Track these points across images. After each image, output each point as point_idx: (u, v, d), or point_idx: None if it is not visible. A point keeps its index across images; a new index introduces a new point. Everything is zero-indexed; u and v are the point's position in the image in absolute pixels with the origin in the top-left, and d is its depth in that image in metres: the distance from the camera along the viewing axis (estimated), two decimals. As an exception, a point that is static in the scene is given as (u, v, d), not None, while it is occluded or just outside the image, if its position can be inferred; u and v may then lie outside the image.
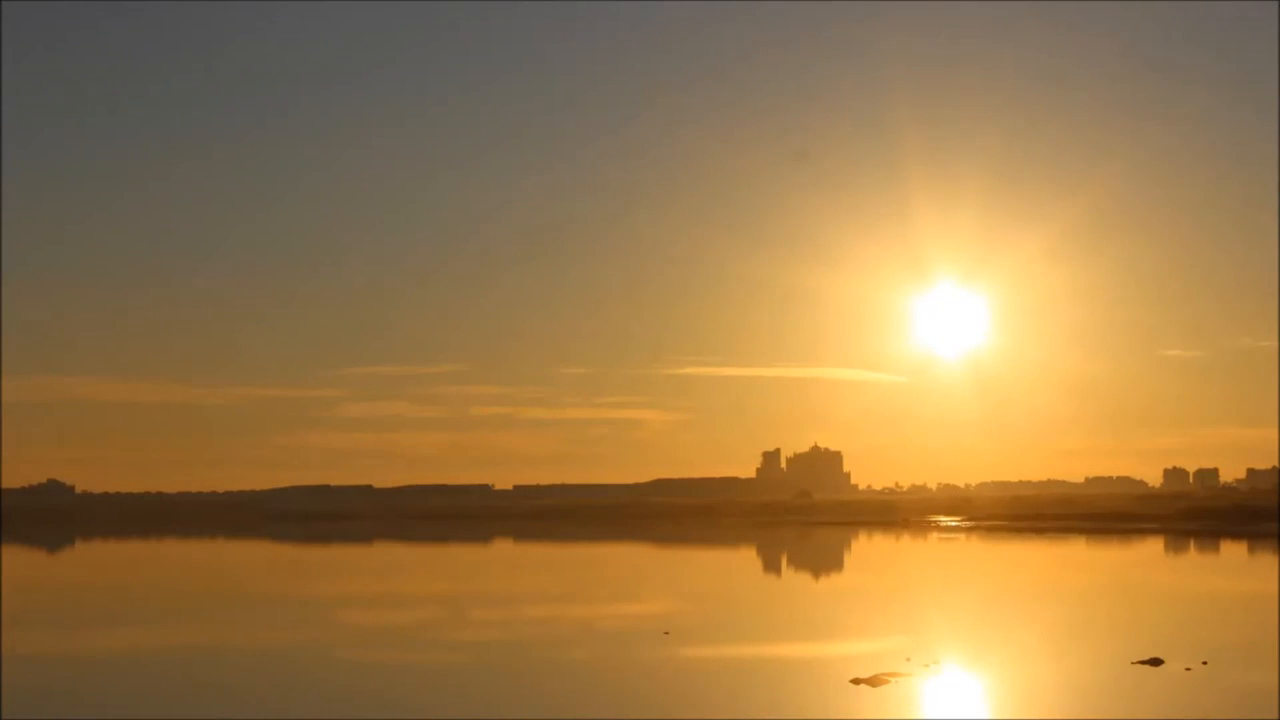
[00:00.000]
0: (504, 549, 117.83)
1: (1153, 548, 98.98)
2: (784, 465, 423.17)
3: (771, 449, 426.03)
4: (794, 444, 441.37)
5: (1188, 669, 29.74)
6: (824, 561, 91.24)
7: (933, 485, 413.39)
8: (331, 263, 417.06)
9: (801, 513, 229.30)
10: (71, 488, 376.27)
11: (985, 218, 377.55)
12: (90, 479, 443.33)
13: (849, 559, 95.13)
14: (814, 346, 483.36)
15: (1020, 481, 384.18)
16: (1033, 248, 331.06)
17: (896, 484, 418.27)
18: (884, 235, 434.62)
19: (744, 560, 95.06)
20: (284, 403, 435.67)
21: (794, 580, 72.80)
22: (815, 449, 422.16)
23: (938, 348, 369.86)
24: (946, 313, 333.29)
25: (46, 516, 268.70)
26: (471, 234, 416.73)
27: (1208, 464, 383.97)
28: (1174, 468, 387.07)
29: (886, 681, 28.17)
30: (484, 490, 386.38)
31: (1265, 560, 78.85)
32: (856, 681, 28.18)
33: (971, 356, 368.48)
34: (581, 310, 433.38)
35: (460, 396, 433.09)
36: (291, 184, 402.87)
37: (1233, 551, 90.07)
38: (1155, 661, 30.78)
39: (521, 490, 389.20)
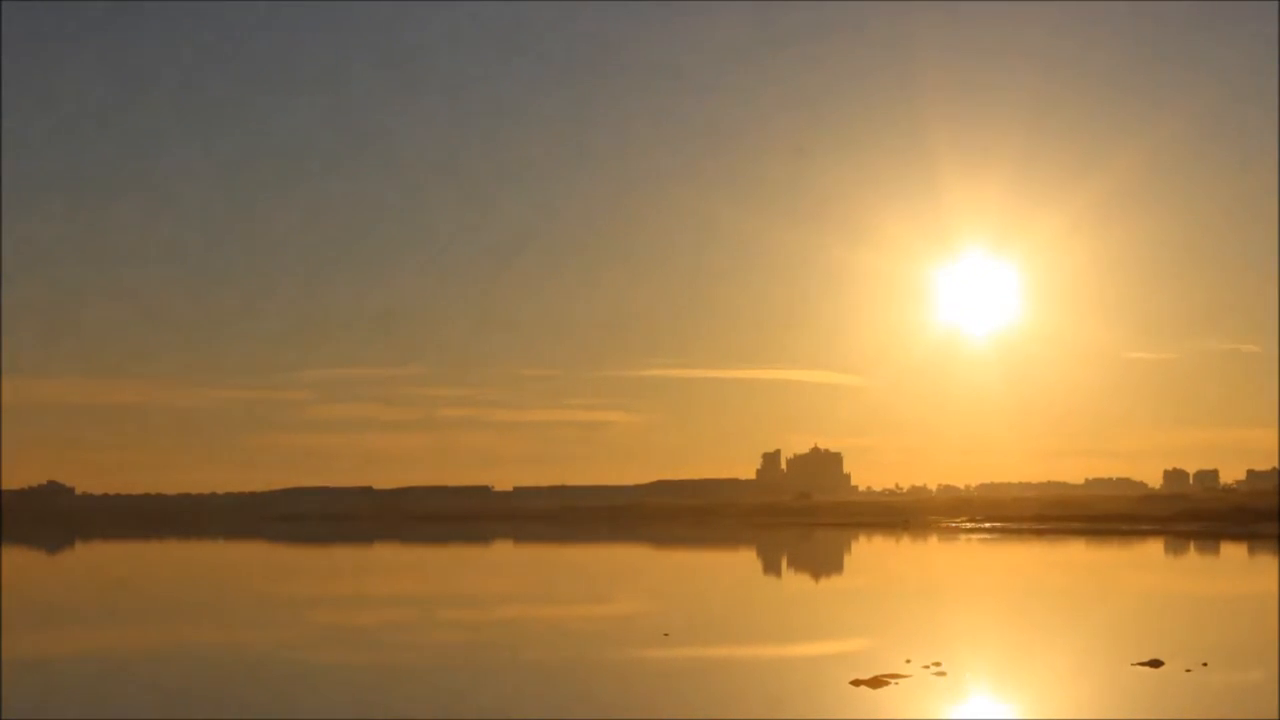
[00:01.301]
0: (503, 550, 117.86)
1: (1153, 549, 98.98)
2: (784, 467, 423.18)
3: (771, 450, 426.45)
4: (774, 444, 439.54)
5: (1188, 670, 29.73)
6: (824, 563, 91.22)
7: (932, 486, 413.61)
8: (289, 264, 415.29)
9: (803, 514, 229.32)
10: (71, 489, 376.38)
11: (1015, 187, 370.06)
12: (90, 480, 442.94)
13: (849, 561, 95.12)
14: (799, 345, 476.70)
15: (1020, 483, 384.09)
16: (1062, 219, 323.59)
17: (896, 485, 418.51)
18: (911, 208, 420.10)
19: (744, 562, 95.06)
20: (247, 405, 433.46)
21: (793, 581, 72.78)
22: (815, 450, 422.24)
23: (965, 322, 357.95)
24: (975, 284, 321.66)
25: (46, 518, 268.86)
26: (430, 236, 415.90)
27: (1207, 465, 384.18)
28: (1174, 469, 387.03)
29: (887, 683, 28.16)
30: (484, 491, 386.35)
31: (1265, 561, 78.85)
32: (856, 683, 28.16)
33: (1001, 330, 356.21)
34: (544, 311, 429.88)
35: (427, 398, 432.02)
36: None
37: (1232, 553, 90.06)
38: (1155, 663, 30.77)
39: (521, 491, 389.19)
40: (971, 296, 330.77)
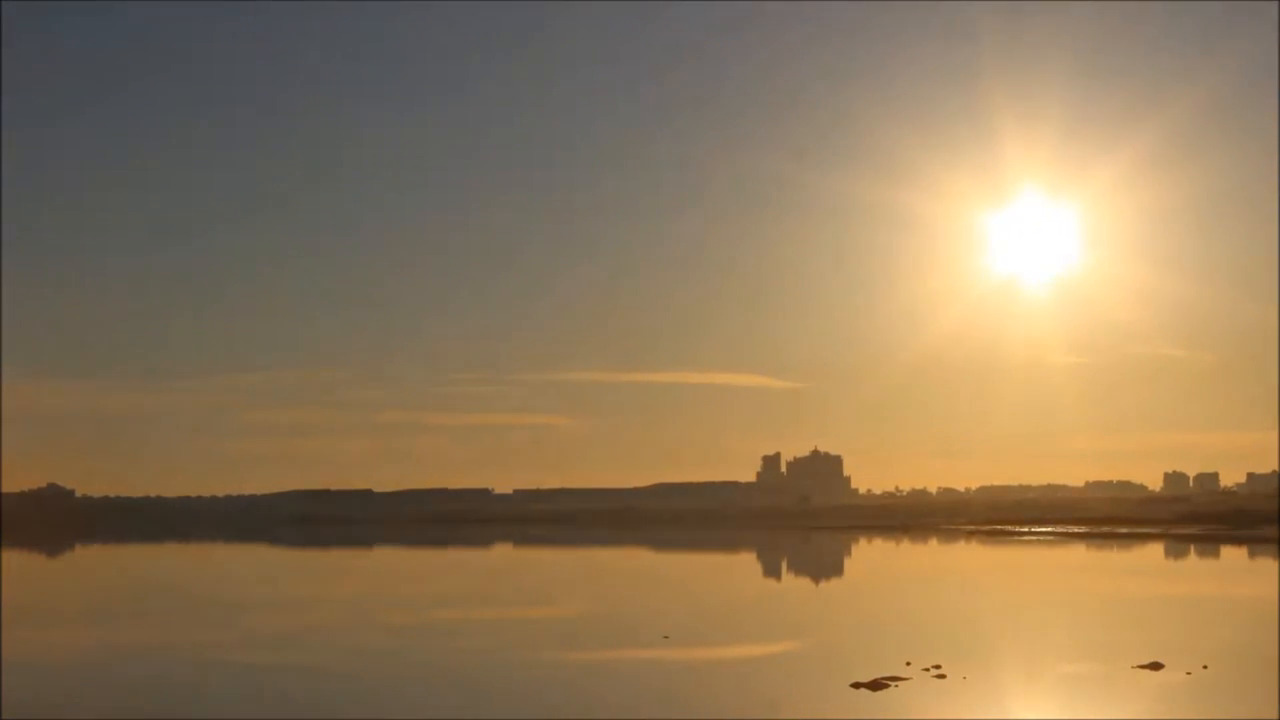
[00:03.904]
0: (503, 553, 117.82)
1: (1153, 552, 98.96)
2: (784, 469, 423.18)
3: (771, 453, 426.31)
4: (734, 449, 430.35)
5: (1188, 673, 29.71)
6: (824, 566, 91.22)
7: (932, 489, 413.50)
8: (216, 265, 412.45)
9: (803, 517, 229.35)
10: (71, 491, 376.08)
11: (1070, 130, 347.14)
12: (90, 482, 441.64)
13: (849, 564, 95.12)
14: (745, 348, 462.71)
15: (1020, 485, 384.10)
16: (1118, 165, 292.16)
17: (896, 488, 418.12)
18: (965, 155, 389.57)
19: (744, 564, 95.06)
20: (180, 409, 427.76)
21: (793, 584, 72.77)
22: (815, 453, 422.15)
23: (1021, 272, 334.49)
24: (1031, 229, 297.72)
25: (47, 520, 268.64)
26: (350, 232, 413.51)
27: (1208, 468, 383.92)
28: (1174, 471, 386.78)
29: (886, 685, 28.14)
30: (484, 494, 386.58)
31: (1265, 564, 78.81)
32: (856, 685, 28.14)
33: (1059, 279, 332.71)
34: (469, 314, 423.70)
35: (358, 402, 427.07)
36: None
37: (1233, 556, 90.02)
38: (1155, 666, 30.75)
39: (522, 494, 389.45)
40: (1029, 242, 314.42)
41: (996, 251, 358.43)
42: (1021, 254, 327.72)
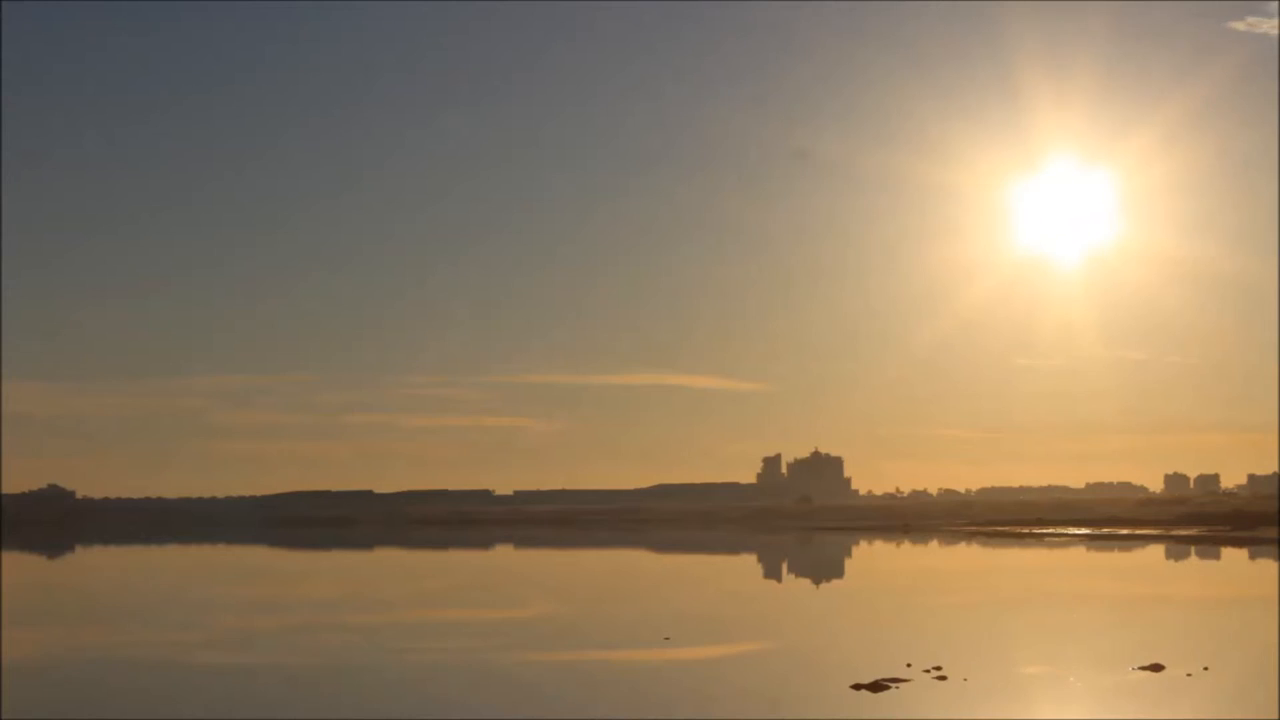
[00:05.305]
0: (504, 554, 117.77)
1: (1153, 553, 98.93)
2: (784, 471, 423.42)
3: (772, 454, 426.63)
4: (711, 452, 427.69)
5: (1189, 675, 29.70)
6: (824, 567, 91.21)
7: (933, 490, 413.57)
8: (166, 269, 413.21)
9: (804, 518, 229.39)
10: (72, 492, 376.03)
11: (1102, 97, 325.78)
12: (90, 483, 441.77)
13: (850, 565, 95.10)
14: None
15: (1021, 486, 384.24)
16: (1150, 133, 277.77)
17: (897, 489, 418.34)
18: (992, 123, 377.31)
19: (744, 566, 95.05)
20: (145, 412, 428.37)
21: (793, 585, 72.73)
22: (816, 454, 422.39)
23: (1051, 247, 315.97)
24: (1061, 200, 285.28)
25: (46, 521, 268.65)
26: (309, 237, 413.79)
27: (1208, 469, 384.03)
28: (1174, 473, 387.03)
29: (887, 687, 28.13)
30: (485, 495, 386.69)
31: (1266, 566, 78.79)
32: (857, 687, 28.13)
33: (1093, 254, 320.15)
34: (426, 317, 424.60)
35: (325, 405, 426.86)
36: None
37: (1233, 557, 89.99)
38: (1156, 667, 30.74)
39: (523, 495, 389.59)
40: (1059, 214, 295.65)
41: (1023, 228, 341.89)
42: (1051, 230, 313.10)
